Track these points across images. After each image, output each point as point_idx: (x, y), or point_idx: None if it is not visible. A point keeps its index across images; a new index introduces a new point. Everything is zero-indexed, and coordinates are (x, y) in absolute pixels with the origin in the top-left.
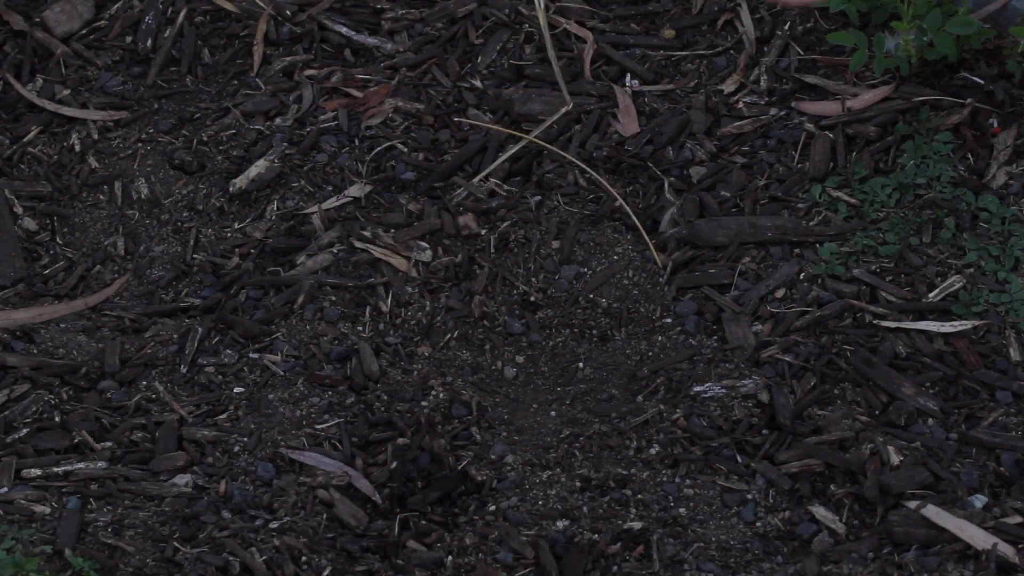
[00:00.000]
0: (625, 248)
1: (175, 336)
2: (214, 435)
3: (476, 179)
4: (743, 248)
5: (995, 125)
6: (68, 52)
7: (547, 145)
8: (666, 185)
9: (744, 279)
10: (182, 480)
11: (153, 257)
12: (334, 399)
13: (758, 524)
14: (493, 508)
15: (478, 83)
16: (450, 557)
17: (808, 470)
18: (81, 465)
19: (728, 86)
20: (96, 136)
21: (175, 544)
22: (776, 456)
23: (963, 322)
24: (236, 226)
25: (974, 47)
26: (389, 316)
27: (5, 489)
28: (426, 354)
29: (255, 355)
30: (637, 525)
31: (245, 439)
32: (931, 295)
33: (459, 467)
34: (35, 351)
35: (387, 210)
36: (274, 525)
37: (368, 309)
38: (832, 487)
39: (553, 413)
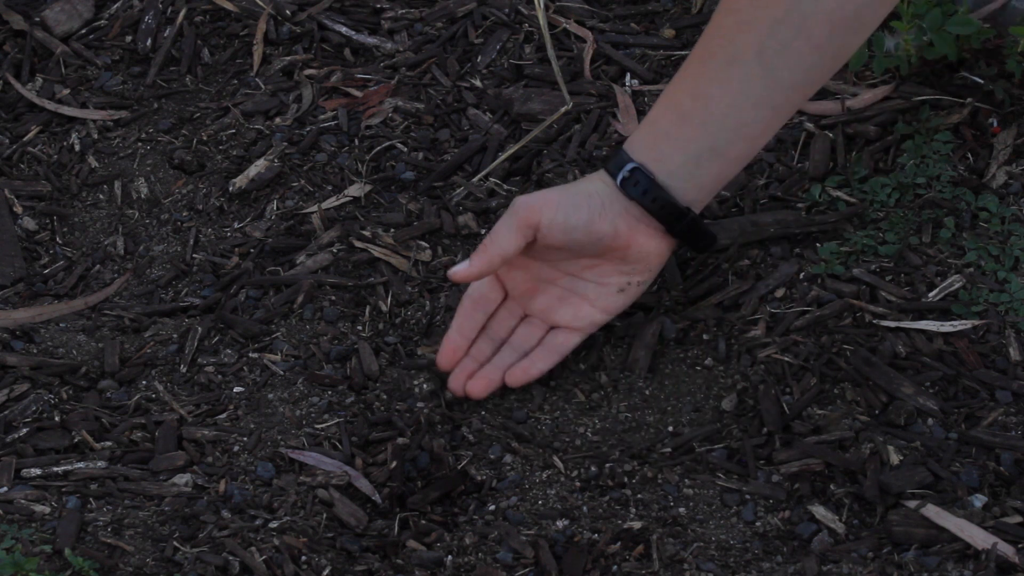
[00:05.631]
0: None
1: (175, 336)
2: (214, 435)
3: (476, 179)
4: (743, 248)
5: (995, 125)
6: (68, 52)
7: (546, 145)
8: None
9: (744, 279)
10: (182, 480)
11: (153, 257)
12: (334, 399)
13: (758, 524)
14: (493, 508)
15: (478, 83)
16: (450, 557)
17: (808, 470)
18: (81, 465)
19: None
20: (96, 136)
21: (175, 544)
22: (776, 456)
23: (963, 322)
24: (236, 226)
25: (974, 47)
26: (389, 316)
27: (5, 489)
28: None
29: (255, 355)
30: (637, 525)
31: (245, 439)
32: (931, 295)
33: (459, 467)
34: (35, 351)
35: (387, 210)
36: (274, 525)
37: (368, 309)
38: (832, 487)
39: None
